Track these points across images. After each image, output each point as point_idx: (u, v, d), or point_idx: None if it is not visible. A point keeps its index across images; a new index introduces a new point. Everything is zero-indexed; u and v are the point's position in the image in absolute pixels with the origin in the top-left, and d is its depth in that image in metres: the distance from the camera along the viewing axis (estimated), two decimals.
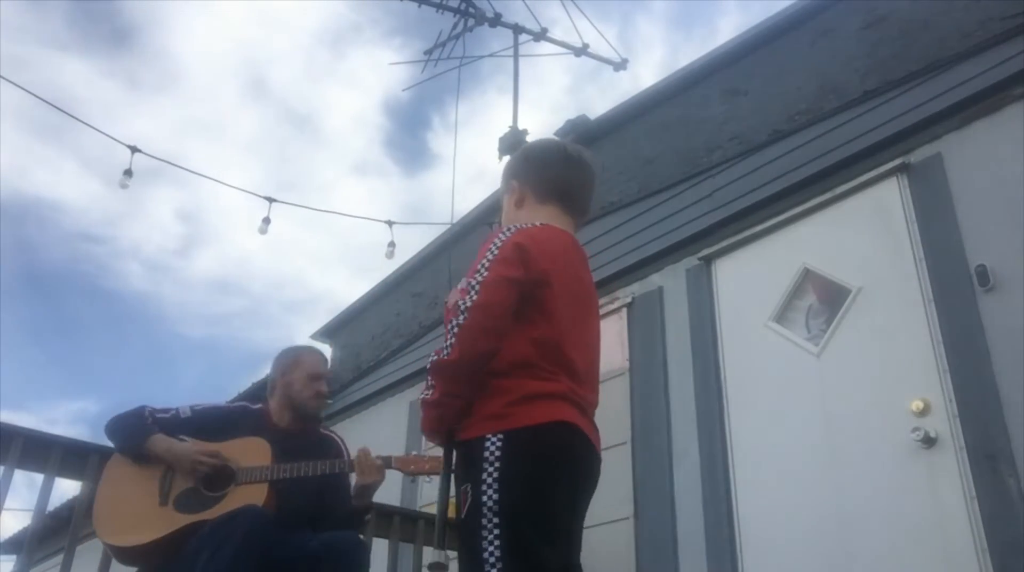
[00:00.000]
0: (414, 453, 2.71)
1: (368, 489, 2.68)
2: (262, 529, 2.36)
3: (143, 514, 2.46)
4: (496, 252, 1.63)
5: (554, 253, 1.70)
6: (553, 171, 1.89)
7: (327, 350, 7.54)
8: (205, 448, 2.53)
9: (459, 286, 1.63)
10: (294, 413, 2.78)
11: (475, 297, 1.55)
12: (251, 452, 2.60)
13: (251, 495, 2.49)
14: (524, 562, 1.45)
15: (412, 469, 2.64)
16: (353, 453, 2.74)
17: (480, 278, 1.58)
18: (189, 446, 2.54)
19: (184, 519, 2.43)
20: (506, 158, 4.26)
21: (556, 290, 1.65)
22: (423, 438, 5.86)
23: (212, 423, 2.68)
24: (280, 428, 2.75)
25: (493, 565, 1.43)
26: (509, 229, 1.71)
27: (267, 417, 2.79)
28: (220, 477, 2.54)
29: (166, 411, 2.67)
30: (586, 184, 1.93)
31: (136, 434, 2.56)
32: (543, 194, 1.87)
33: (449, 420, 1.62)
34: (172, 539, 2.39)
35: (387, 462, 2.67)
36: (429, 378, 1.60)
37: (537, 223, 1.76)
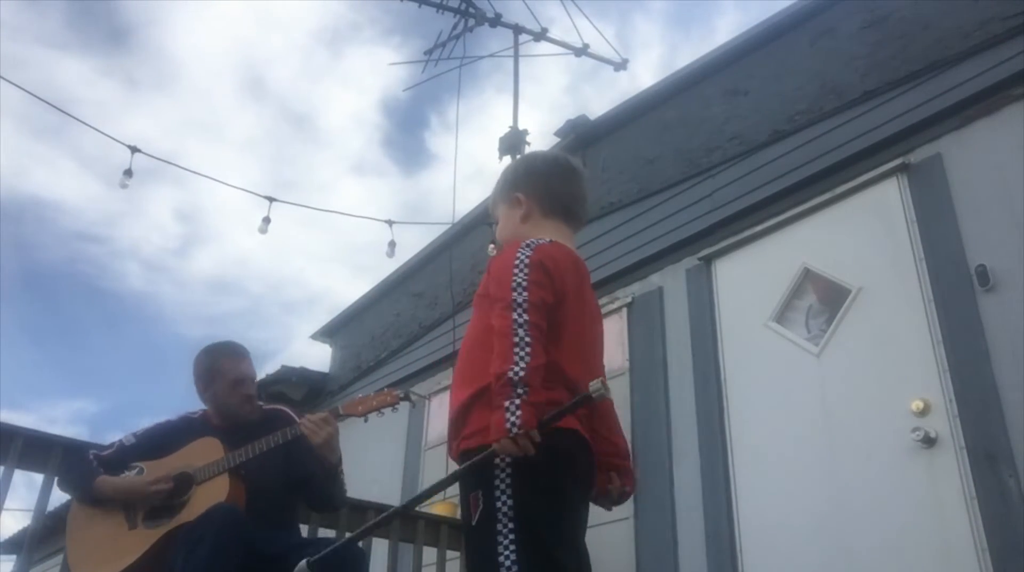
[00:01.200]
0: (359, 395, 2.69)
1: (325, 446, 2.60)
2: (235, 525, 2.36)
3: (118, 542, 2.48)
4: (528, 273, 1.64)
5: (566, 273, 1.73)
6: (559, 185, 1.92)
7: (327, 350, 7.54)
8: (154, 477, 2.53)
9: (498, 306, 1.63)
10: (230, 419, 2.76)
11: (528, 316, 1.56)
12: (203, 452, 2.61)
13: (215, 489, 2.51)
14: (541, 565, 1.47)
15: (361, 410, 2.61)
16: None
17: (525, 298, 1.59)
18: (136, 479, 2.54)
19: (156, 533, 2.45)
20: (507, 159, 4.27)
21: (565, 312, 1.68)
22: (423, 439, 5.80)
23: (158, 441, 2.69)
24: (225, 428, 2.74)
25: (508, 569, 1.45)
26: (529, 245, 1.72)
27: (210, 421, 2.78)
28: (180, 483, 2.55)
29: (110, 446, 2.68)
30: (586, 196, 1.98)
31: (81, 486, 2.58)
32: (548, 208, 1.89)
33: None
34: (152, 555, 2.42)
35: (334, 412, 2.65)
36: (521, 388, 1.49)
37: (546, 239, 1.79)
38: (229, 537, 2.31)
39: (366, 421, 2.64)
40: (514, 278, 1.63)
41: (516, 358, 1.52)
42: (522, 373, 1.50)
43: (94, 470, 2.58)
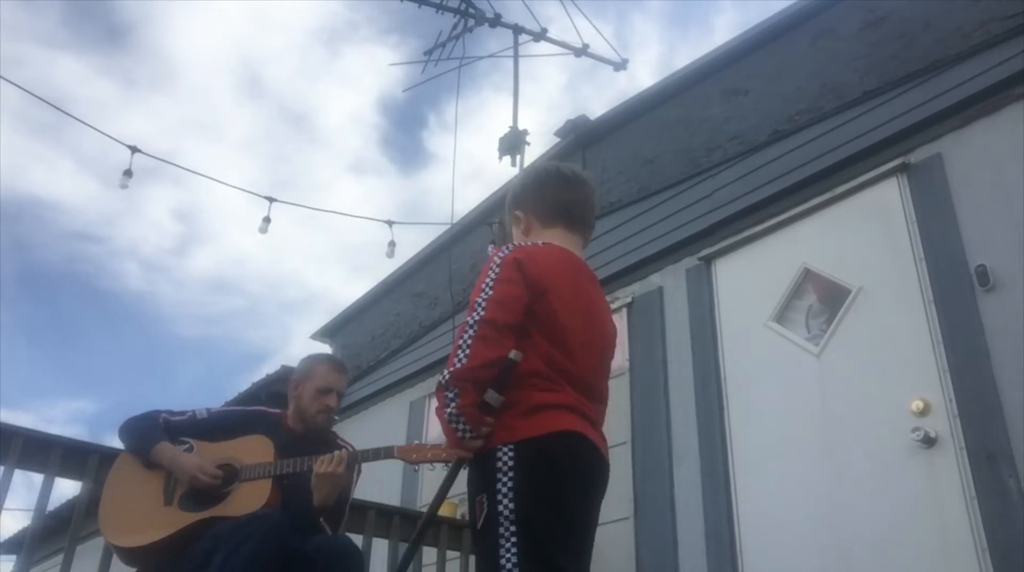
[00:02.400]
0: (416, 442, 2.71)
1: (320, 480, 2.53)
2: (281, 532, 2.36)
3: (148, 514, 2.47)
4: (498, 270, 1.69)
5: (552, 267, 1.76)
6: (552, 193, 1.96)
7: (327, 350, 7.53)
8: (205, 466, 2.53)
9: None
10: (304, 424, 2.79)
11: (483, 313, 1.61)
12: (255, 450, 2.61)
13: (256, 491, 2.50)
14: (540, 568, 1.49)
15: (414, 458, 2.62)
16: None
17: (486, 296, 1.64)
18: (191, 460, 2.54)
19: (189, 518, 2.45)
20: (507, 159, 4.26)
21: (555, 304, 1.70)
22: (423, 439, 5.82)
23: (226, 424, 2.71)
24: (294, 432, 2.77)
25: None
26: (508, 246, 1.78)
27: (283, 421, 2.82)
28: (225, 475, 2.55)
29: (182, 413, 2.70)
30: (586, 200, 2.00)
31: (143, 443, 2.59)
32: (546, 218, 1.94)
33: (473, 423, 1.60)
34: (177, 538, 2.40)
35: (388, 452, 2.66)
36: (450, 390, 1.59)
37: (539, 242, 1.84)
38: (273, 543, 2.32)
39: (416, 471, 2.68)
40: (483, 280, 1.69)
41: (455, 361, 1.59)
42: (447, 377, 1.58)
43: (161, 433, 2.59)
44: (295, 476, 2.57)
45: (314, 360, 2.90)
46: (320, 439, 2.82)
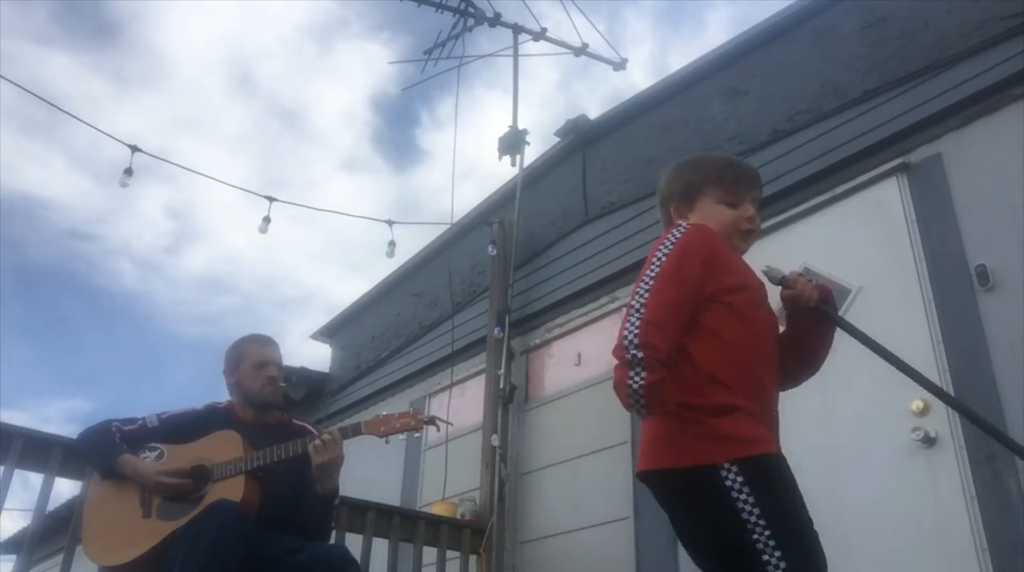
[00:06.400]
0: (383, 413, 2.66)
1: (324, 468, 2.54)
2: (234, 523, 2.33)
3: (130, 529, 2.46)
4: None
5: None
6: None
7: (327, 350, 7.54)
8: (166, 468, 2.52)
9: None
10: (255, 407, 2.77)
11: None
12: (224, 446, 2.58)
13: (230, 489, 2.48)
14: None
15: (383, 431, 2.58)
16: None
17: None
18: (150, 467, 2.52)
19: (169, 527, 2.43)
20: (507, 158, 4.24)
21: None
22: (423, 438, 5.75)
23: (181, 428, 2.67)
24: (249, 422, 2.73)
25: None
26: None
27: (234, 412, 2.78)
28: (197, 477, 2.53)
29: (133, 422, 2.66)
30: None
31: (103, 458, 2.57)
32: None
33: None
34: (161, 548, 2.39)
35: (356, 429, 2.61)
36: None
37: None
38: (229, 535, 2.29)
39: (387, 443, 2.62)
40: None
41: None
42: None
43: (118, 446, 2.56)
44: (268, 467, 2.54)
45: (239, 343, 2.86)
46: (284, 425, 2.80)
